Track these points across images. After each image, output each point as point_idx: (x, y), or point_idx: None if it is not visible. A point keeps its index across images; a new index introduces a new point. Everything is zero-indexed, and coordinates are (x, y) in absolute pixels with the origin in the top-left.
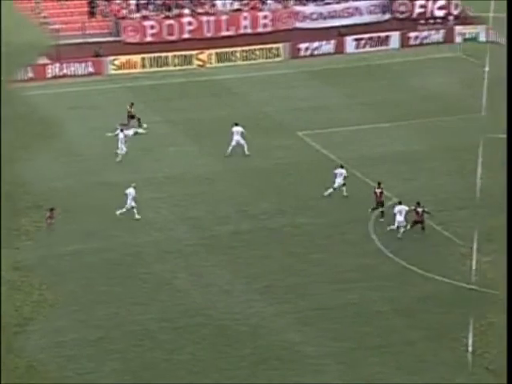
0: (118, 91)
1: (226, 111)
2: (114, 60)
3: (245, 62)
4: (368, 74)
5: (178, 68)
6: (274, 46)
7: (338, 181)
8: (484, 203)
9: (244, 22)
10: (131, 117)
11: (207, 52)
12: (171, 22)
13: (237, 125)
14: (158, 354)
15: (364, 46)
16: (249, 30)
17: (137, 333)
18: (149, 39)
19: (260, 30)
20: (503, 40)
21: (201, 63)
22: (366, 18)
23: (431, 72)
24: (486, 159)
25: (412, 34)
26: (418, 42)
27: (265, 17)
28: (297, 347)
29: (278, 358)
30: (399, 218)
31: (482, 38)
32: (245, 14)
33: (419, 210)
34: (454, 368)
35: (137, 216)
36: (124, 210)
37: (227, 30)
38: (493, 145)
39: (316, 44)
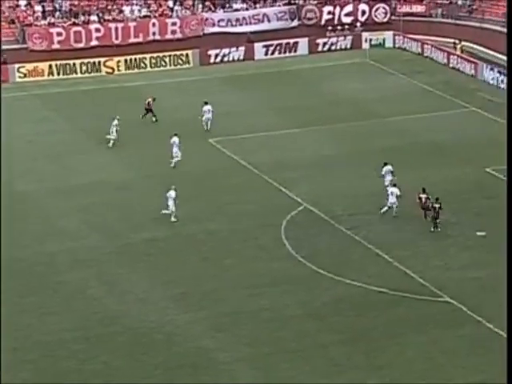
0: (25, 99)
1: (137, 118)
2: (20, 67)
3: (154, 69)
4: (278, 80)
5: (86, 75)
6: (184, 52)
7: (388, 179)
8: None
9: (152, 29)
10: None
11: (116, 59)
12: (78, 28)
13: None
14: (71, 363)
15: (273, 53)
16: (158, 37)
17: (49, 343)
18: (56, 46)
19: (169, 36)
20: (409, 45)
21: (109, 70)
22: (275, 25)
23: (340, 78)
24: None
25: (320, 41)
26: (326, 48)
27: (173, 23)
28: (211, 353)
29: (193, 365)
30: (392, 199)
31: (389, 43)
32: (153, 20)
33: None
34: (367, 371)
35: (173, 219)
36: (168, 211)
37: (136, 36)
38: (402, 149)
39: (225, 50)
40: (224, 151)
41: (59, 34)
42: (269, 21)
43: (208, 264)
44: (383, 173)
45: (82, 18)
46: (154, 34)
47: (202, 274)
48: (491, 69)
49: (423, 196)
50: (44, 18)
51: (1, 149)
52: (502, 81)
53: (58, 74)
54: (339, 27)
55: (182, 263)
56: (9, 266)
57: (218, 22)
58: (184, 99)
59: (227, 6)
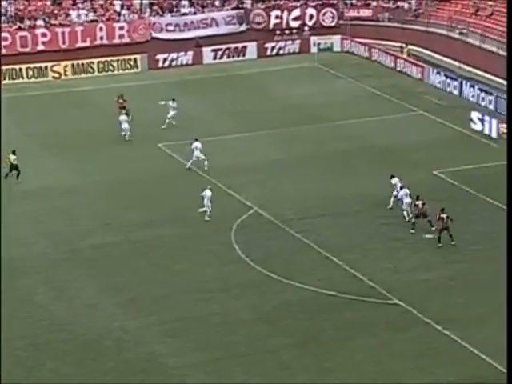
0: None
1: (84, 123)
2: None
3: (102, 74)
4: (227, 85)
5: (32, 80)
6: (132, 57)
7: (398, 191)
8: (343, 210)
9: (100, 33)
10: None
11: (63, 64)
12: (24, 33)
13: (196, 140)
14: (18, 371)
15: (222, 57)
16: (105, 42)
17: None
18: (2, 51)
19: (116, 41)
20: (357, 49)
21: (56, 75)
22: (223, 29)
23: (289, 82)
24: (345, 167)
25: (269, 45)
26: (274, 52)
27: (121, 28)
28: (161, 359)
29: (143, 371)
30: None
31: (337, 47)
32: (100, 25)
33: (443, 216)
34: (317, 374)
35: (206, 218)
36: (205, 209)
37: (83, 41)
38: (351, 153)
39: (174, 55)
40: (174, 156)
41: (5, 39)
42: (217, 25)
43: (157, 269)
44: (394, 183)
45: (28, 22)
46: (101, 38)
47: (151, 280)
48: (438, 72)
49: (419, 203)
50: None
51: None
52: (449, 84)
53: (4, 78)
54: (287, 31)
55: (131, 269)
56: None
57: (166, 26)
58: (132, 104)
59: (175, 10)
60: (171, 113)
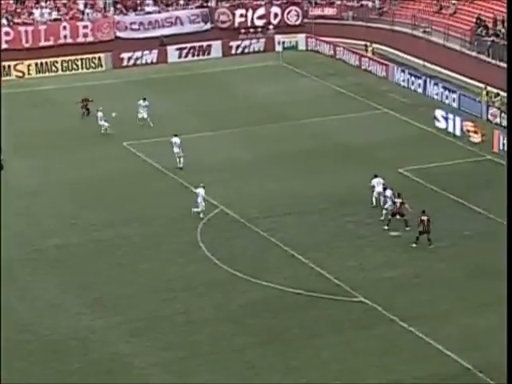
0: None
1: (47, 123)
2: None
3: (66, 73)
4: (192, 83)
5: None
6: (96, 55)
7: (378, 190)
8: (309, 209)
9: (63, 32)
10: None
11: (26, 62)
12: None
13: (175, 136)
14: None
15: (186, 56)
16: (69, 40)
17: None
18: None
19: (80, 39)
20: (321, 48)
21: (20, 74)
22: (188, 28)
23: (254, 80)
24: (310, 166)
25: (233, 43)
26: (239, 50)
27: (85, 27)
28: (126, 359)
29: (108, 371)
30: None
31: (302, 46)
32: (64, 23)
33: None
34: (283, 373)
35: (202, 215)
36: (199, 209)
37: (46, 40)
38: (315, 151)
39: (138, 54)
40: (139, 155)
41: None
42: (182, 24)
43: (122, 269)
44: (373, 184)
45: None
46: (65, 37)
47: (116, 280)
48: (402, 70)
49: (398, 201)
50: None
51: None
52: (413, 82)
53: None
54: (252, 30)
55: (96, 269)
56: None
57: (131, 24)
58: (96, 103)
59: (139, 9)
60: (143, 113)
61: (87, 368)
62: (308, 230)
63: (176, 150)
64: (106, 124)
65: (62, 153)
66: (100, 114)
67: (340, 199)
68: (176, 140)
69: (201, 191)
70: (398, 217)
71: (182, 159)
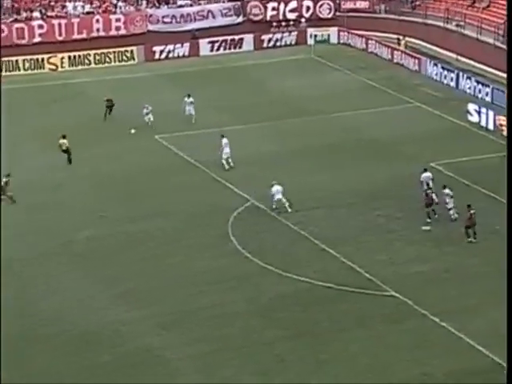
0: None
1: (79, 115)
2: None
3: (99, 66)
4: (223, 77)
5: (29, 72)
6: (128, 49)
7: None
8: (338, 203)
9: (96, 25)
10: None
11: (59, 56)
12: (21, 25)
13: (223, 136)
14: (12, 364)
15: (218, 49)
16: (102, 33)
17: None
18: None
19: (113, 33)
20: (353, 41)
21: (53, 67)
22: (220, 21)
23: (285, 74)
24: (341, 159)
25: (265, 37)
26: (271, 44)
27: (117, 20)
28: (156, 352)
29: (139, 363)
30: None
31: (334, 39)
32: (97, 16)
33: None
34: (312, 366)
35: (289, 209)
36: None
37: (79, 33)
38: (347, 145)
39: (170, 47)
40: (170, 148)
41: (1, 31)
42: (214, 17)
43: (153, 262)
44: (422, 179)
45: (25, 14)
46: (98, 30)
47: (146, 272)
48: (435, 64)
49: (430, 192)
50: None
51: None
52: (446, 76)
53: (1, 70)
54: (284, 23)
55: (125, 262)
56: None
57: (163, 18)
58: (128, 96)
59: (171, 2)
60: (190, 109)
61: (118, 360)
62: (338, 224)
63: (227, 150)
64: (151, 118)
65: (93, 146)
66: (145, 110)
67: (370, 193)
68: (225, 140)
69: (278, 188)
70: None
71: (230, 159)
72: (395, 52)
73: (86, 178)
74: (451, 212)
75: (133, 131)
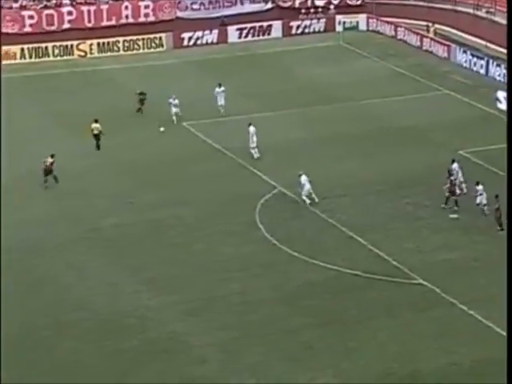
0: None
1: (108, 102)
2: None
3: (127, 53)
4: (251, 64)
5: (58, 58)
6: (157, 35)
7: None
8: (366, 190)
9: (125, 12)
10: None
11: (88, 42)
12: (50, 11)
13: (250, 124)
14: (39, 351)
15: (247, 36)
16: (130, 20)
17: (18, 330)
18: (28, 29)
19: (142, 19)
20: (382, 28)
21: (82, 53)
22: (248, 8)
23: (313, 61)
24: (369, 147)
25: (294, 24)
26: (299, 31)
27: (146, 6)
28: (182, 338)
29: (164, 350)
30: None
31: (363, 26)
32: (126, 3)
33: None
34: (340, 353)
35: (316, 199)
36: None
37: (108, 19)
38: (375, 133)
39: (199, 34)
40: (198, 135)
41: (31, 17)
42: (242, 4)
43: (178, 249)
44: (456, 170)
45: (54, 1)
46: (126, 17)
47: (172, 259)
48: (464, 51)
49: (452, 178)
50: (15, 0)
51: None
52: (475, 63)
53: (30, 57)
54: (313, 10)
55: (151, 248)
56: None
57: (191, 4)
58: (157, 83)
59: None
60: (221, 99)
61: (144, 346)
62: (366, 212)
63: (254, 138)
64: (179, 112)
65: (120, 132)
66: (172, 101)
67: (398, 181)
68: (252, 129)
69: (304, 178)
70: (452, 196)
71: (257, 149)
72: (424, 39)
73: (114, 164)
74: (484, 208)
75: (162, 129)
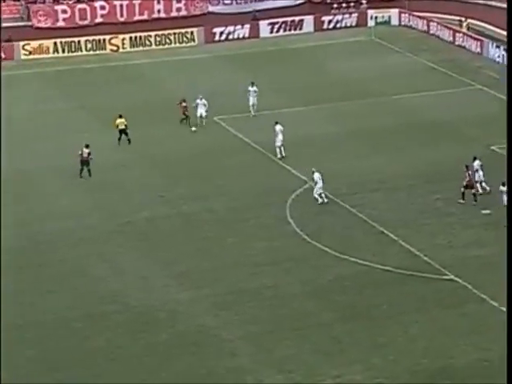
0: (29, 77)
1: (140, 97)
2: (25, 45)
3: (159, 47)
4: (282, 59)
5: (91, 53)
6: (189, 30)
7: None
8: (397, 185)
9: (157, 7)
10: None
11: (121, 37)
12: (83, 6)
13: (277, 123)
14: (73, 341)
15: (278, 30)
16: (162, 15)
17: (51, 321)
18: (61, 24)
19: (174, 14)
20: (415, 23)
21: (114, 48)
22: (280, 3)
23: (345, 56)
24: (400, 142)
25: (325, 18)
26: (331, 25)
27: (178, 1)
28: (213, 331)
29: (195, 343)
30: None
31: (395, 21)
32: None
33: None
34: (369, 348)
35: (326, 200)
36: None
37: (140, 14)
38: (406, 127)
39: (230, 28)
40: (229, 129)
41: (64, 12)
42: None
43: (209, 242)
44: (476, 168)
45: None
46: (158, 11)
47: (203, 253)
48: (497, 46)
49: (470, 173)
50: None
51: (0, 127)
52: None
53: (63, 51)
54: (344, 5)
55: (183, 242)
56: (9, 245)
57: None
58: (188, 77)
59: None
60: (252, 99)
61: (174, 339)
62: (396, 207)
63: (280, 137)
64: (203, 113)
65: (153, 126)
66: (198, 101)
67: (429, 176)
68: (279, 127)
69: (318, 175)
70: (471, 190)
71: (283, 148)
72: (457, 34)
73: (146, 158)
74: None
75: (194, 129)
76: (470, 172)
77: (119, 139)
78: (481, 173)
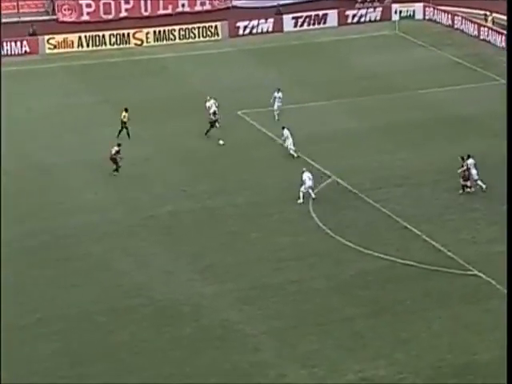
0: (54, 70)
1: (164, 91)
2: (50, 39)
3: (183, 41)
4: (307, 53)
5: (115, 47)
6: (212, 24)
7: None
8: (421, 180)
9: (181, 1)
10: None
11: (145, 31)
12: (108, 0)
13: (283, 128)
14: (97, 335)
15: (302, 25)
16: (187, 9)
17: (75, 315)
18: (85, 18)
19: (198, 8)
20: (439, 17)
21: (138, 42)
22: None
23: (369, 50)
24: (424, 136)
25: (349, 12)
26: (355, 20)
27: None
28: (237, 326)
29: (219, 337)
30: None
31: (419, 15)
32: None
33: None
34: (392, 343)
35: (313, 195)
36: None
37: (165, 8)
38: (430, 122)
39: (254, 22)
40: (253, 123)
41: (88, 6)
42: None
43: (233, 237)
44: (469, 166)
45: None
46: (183, 5)
47: (226, 247)
48: None
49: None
50: None
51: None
52: None
53: (88, 45)
54: None
55: (207, 236)
56: (32, 238)
57: None
58: (212, 71)
59: None
60: (279, 105)
61: (198, 334)
62: (420, 202)
63: (289, 141)
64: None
65: (176, 120)
66: (208, 104)
67: (454, 171)
68: (286, 132)
69: (308, 175)
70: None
71: (292, 151)
72: (482, 28)
73: (170, 152)
74: None
75: (221, 142)
76: (465, 163)
77: (128, 134)
78: (474, 171)
